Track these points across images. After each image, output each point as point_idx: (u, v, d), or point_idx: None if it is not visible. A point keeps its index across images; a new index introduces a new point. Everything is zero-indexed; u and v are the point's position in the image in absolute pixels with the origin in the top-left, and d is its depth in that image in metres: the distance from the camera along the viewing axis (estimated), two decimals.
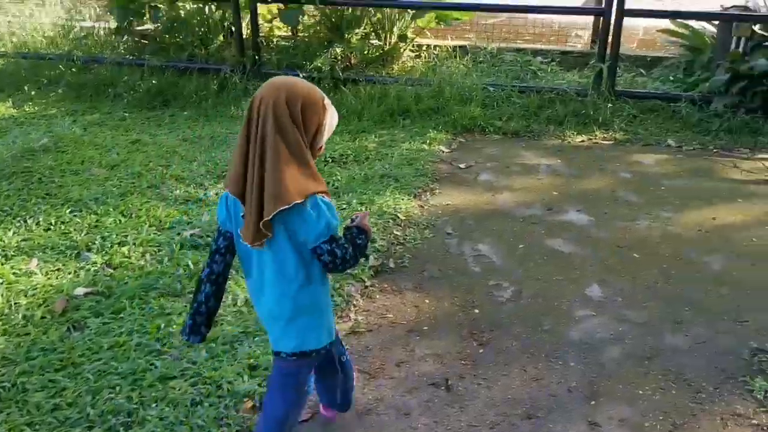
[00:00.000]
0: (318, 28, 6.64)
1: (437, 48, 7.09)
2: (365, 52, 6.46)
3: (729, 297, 3.21)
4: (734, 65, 5.80)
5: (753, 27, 5.88)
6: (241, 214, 1.80)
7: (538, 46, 7.40)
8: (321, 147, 1.89)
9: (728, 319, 3.03)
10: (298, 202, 1.72)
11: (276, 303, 1.89)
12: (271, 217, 1.72)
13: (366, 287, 3.27)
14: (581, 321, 3.03)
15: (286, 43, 6.81)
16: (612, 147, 5.37)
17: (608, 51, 5.93)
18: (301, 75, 6.22)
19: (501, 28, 8.04)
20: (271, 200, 1.71)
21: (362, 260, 3.24)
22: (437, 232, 3.87)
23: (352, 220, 1.98)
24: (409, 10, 6.57)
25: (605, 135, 5.58)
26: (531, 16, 7.77)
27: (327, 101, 1.84)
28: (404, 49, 6.84)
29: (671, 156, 5.18)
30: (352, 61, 6.40)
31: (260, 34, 6.57)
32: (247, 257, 1.91)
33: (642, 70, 6.69)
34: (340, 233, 1.90)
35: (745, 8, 6.28)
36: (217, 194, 4.28)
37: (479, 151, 5.25)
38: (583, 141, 5.49)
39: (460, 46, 7.07)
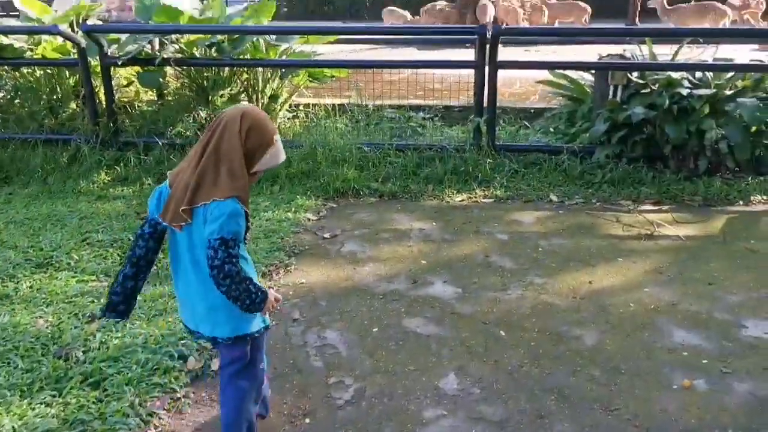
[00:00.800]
0: (183, 90, 6.16)
1: (315, 107, 6.72)
2: None
3: (601, 379, 2.82)
4: (613, 114, 5.64)
5: (629, 75, 5.78)
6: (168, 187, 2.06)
7: (421, 101, 7.15)
8: (256, 173, 2.13)
9: (598, 408, 2.63)
10: (218, 199, 1.96)
11: (204, 291, 2.06)
12: (190, 206, 1.98)
13: (176, 399, 2.71)
14: (429, 424, 2.55)
15: (151, 108, 6.29)
16: (492, 205, 5.05)
17: (485, 105, 5.69)
18: (161, 142, 5.70)
19: (390, 83, 7.78)
20: (196, 192, 1.97)
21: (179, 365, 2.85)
22: (282, 319, 3.36)
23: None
24: (282, 69, 6.20)
25: (486, 192, 5.27)
26: (427, 71, 7.52)
27: (277, 138, 2.12)
28: (279, 110, 6.43)
29: (552, 212, 4.89)
30: None
31: (120, 99, 6.04)
32: (174, 246, 2.12)
33: (526, 123, 6.50)
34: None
35: (621, 57, 6.20)
36: (30, 287, 3.66)
37: (350, 217, 4.82)
38: (462, 200, 5.15)
39: (340, 105, 6.73)
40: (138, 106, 6.26)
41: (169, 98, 6.32)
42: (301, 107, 6.68)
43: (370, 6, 24.94)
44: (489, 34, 5.46)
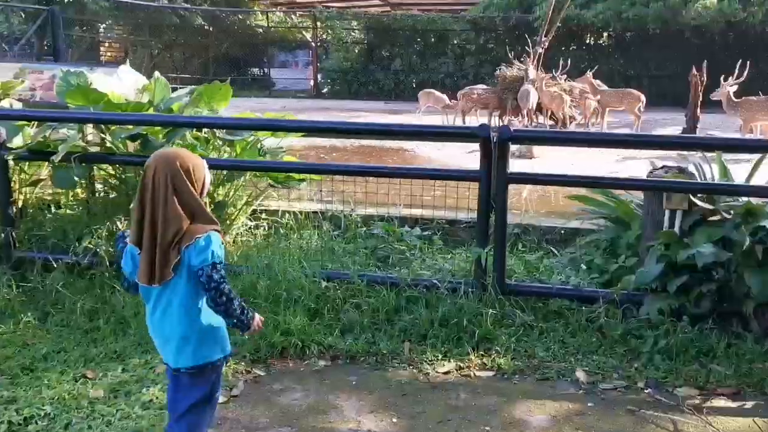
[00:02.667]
0: (108, 192, 4.88)
1: (287, 215, 5.35)
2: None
3: None
4: (669, 252, 4.06)
5: (692, 197, 4.23)
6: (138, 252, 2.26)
7: (421, 211, 5.66)
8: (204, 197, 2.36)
9: None
10: (199, 236, 2.20)
11: (174, 325, 2.27)
12: (174, 262, 2.20)
13: None
14: None
15: (72, 212, 4.99)
16: (490, 384, 3.48)
17: (492, 230, 4.19)
18: (62, 260, 4.37)
19: (387, 184, 6.37)
20: (173, 245, 2.19)
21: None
22: None
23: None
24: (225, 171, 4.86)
25: (484, 360, 3.70)
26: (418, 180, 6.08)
27: (205, 164, 2.37)
28: (234, 218, 5.07)
29: (578, 404, 3.29)
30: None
31: (31, 201, 4.79)
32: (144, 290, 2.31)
33: (553, 248, 4.96)
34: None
35: (680, 171, 4.65)
36: None
37: (273, 401, 3.31)
38: (448, 372, 3.59)
39: (317, 212, 5.35)
40: (55, 210, 4.97)
41: (93, 201, 5.02)
42: (264, 216, 5.30)
43: (417, 87, 24.11)
44: (494, 138, 4.02)
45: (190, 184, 2.21)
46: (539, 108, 14.98)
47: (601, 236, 4.81)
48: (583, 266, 4.46)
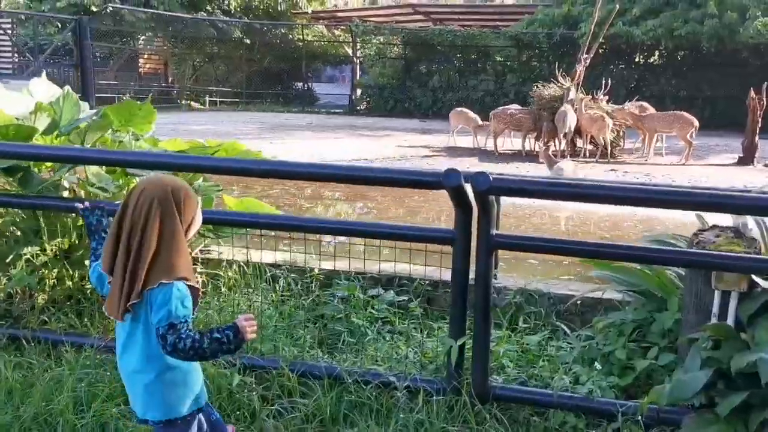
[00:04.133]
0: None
1: (232, 267, 4.30)
2: (49, 286, 3.62)
3: None
4: (720, 353, 2.87)
5: (753, 277, 3.03)
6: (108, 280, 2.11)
7: (398, 267, 4.50)
8: (189, 240, 2.19)
9: None
10: (164, 282, 1.99)
11: (142, 372, 2.09)
12: (137, 299, 2.01)
13: None
14: None
15: None
16: None
17: (473, 313, 3.06)
18: None
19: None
20: (137, 280, 1.99)
21: None
22: None
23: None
24: None
25: None
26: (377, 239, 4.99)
27: (200, 204, 2.20)
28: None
29: None
30: (40, 300, 3.60)
31: None
32: (119, 327, 2.14)
33: (563, 325, 3.78)
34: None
35: (737, 233, 3.45)
36: None
37: None
38: None
39: (271, 265, 4.29)
40: None
41: None
42: (201, 267, 4.26)
43: (456, 105, 22.99)
44: (473, 189, 2.90)
45: (177, 216, 2.05)
46: (579, 133, 13.72)
47: (627, 317, 3.63)
48: (597, 364, 3.27)
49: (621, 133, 14.15)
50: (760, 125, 13.15)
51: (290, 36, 31.55)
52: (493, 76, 24.06)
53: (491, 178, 3.01)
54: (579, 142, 14.01)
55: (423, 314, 3.88)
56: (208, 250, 4.44)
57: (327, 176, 3.68)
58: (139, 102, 3.91)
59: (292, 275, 4.07)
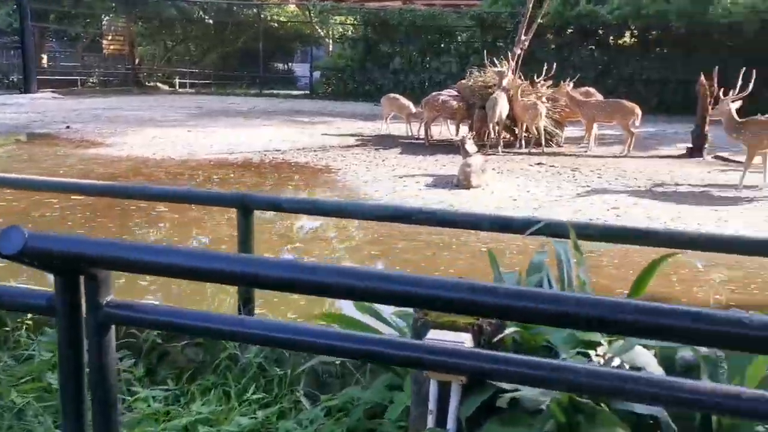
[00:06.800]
0: None
1: None
2: None
3: None
4: None
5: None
6: None
7: None
8: None
9: None
10: None
11: None
12: None
13: None
14: None
15: None
16: None
17: None
18: None
19: None
20: None
21: None
22: None
23: None
24: None
25: None
26: None
27: None
28: None
29: None
30: None
31: None
32: None
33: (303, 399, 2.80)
34: None
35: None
36: None
37: None
38: None
39: None
40: None
41: None
42: None
43: (418, 88, 21.83)
44: None
45: None
46: (514, 121, 12.64)
47: (362, 395, 2.62)
48: None
49: (562, 121, 13.06)
50: (711, 114, 12.00)
51: (263, 15, 30.35)
52: (457, 57, 22.86)
53: (25, 237, 1.98)
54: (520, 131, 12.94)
55: None
56: None
57: None
58: None
59: None
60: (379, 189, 8.95)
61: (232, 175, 9.85)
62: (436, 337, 2.51)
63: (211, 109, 18.29)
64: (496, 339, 2.68)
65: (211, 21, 29.42)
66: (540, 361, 2.15)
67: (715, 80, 11.44)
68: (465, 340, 2.50)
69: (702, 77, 11.84)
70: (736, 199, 8.67)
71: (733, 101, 9.33)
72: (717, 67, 11.27)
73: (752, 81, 8.94)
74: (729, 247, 3.00)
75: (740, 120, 9.33)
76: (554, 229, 3.29)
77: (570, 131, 13.93)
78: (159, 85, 30.12)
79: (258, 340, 2.38)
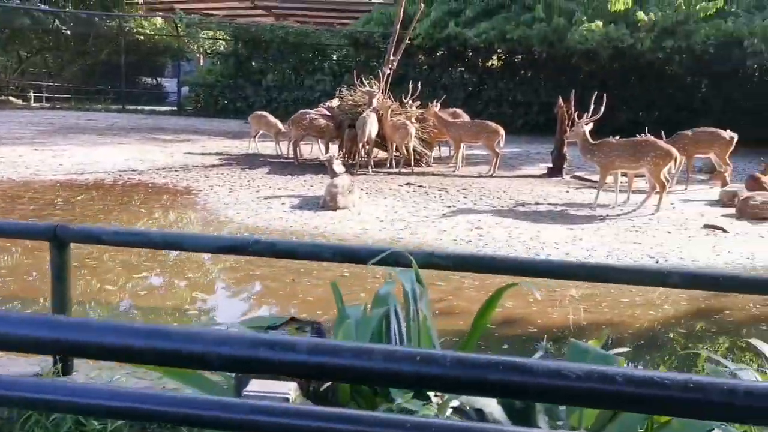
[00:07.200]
0: None
1: None
2: None
3: None
4: None
5: None
6: None
7: None
8: None
9: None
10: None
11: None
12: None
13: None
14: None
15: None
16: None
17: None
18: None
19: None
20: None
21: None
22: None
23: None
24: None
25: None
26: None
27: None
28: None
29: None
30: None
31: None
32: None
33: None
34: None
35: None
36: None
37: None
38: None
39: None
40: None
41: None
42: None
43: (292, 105, 21.40)
44: None
45: None
46: (384, 140, 12.61)
47: None
48: None
49: (432, 141, 13.21)
50: (567, 135, 12.53)
51: (126, 28, 28.81)
52: (331, 75, 22.71)
53: None
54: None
55: None
56: None
57: None
58: None
59: None
60: (240, 211, 8.52)
61: (79, 198, 9.06)
62: (258, 389, 2.23)
63: (66, 125, 16.99)
64: (324, 387, 2.42)
65: (69, 32, 27.58)
66: (362, 414, 1.94)
67: (573, 103, 11.94)
68: (290, 391, 2.23)
69: (560, 100, 12.36)
70: (591, 217, 9.01)
71: (586, 124, 9.74)
72: (574, 91, 11.77)
73: (603, 105, 9.35)
74: (562, 274, 2.94)
75: (593, 142, 9.74)
76: (400, 258, 3.10)
77: (444, 151, 14.14)
78: (11, 99, 27.81)
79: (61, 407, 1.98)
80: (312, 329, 2.45)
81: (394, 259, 3.12)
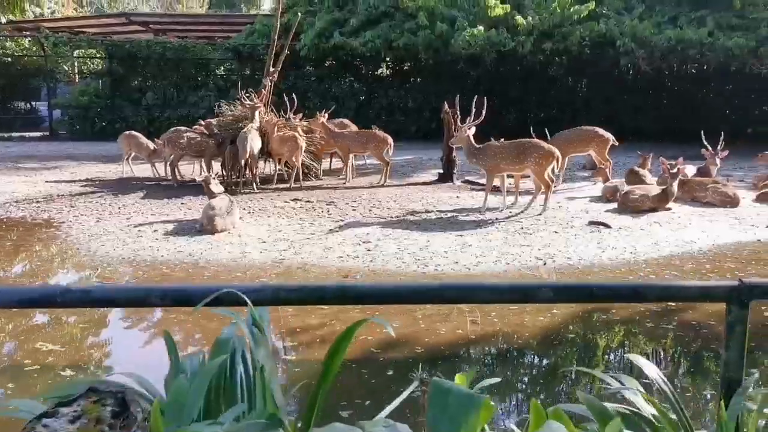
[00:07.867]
0: None
1: None
2: None
3: None
4: None
5: None
6: None
7: None
8: None
9: None
10: None
11: None
12: None
13: None
14: None
15: None
16: None
17: None
18: None
19: None
20: None
21: None
22: None
23: None
24: None
25: None
26: None
27: None
28: None
29: None
30: None
31: None
32: None
33: None
34: None
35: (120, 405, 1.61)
36: None
37: None
38: None
39: None
40: None
41: None
42: None
43: (176, 123, 20.31)
44: None
45: None
46: (269, 154, 12.08)
47: None
48: None
49: (319, 154, 12.79)
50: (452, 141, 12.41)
51: None
52: (216, 91, 21.86)
53: None
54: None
55: None
56: None
57: None
58: None
59: None
60: (105, 243, 7.75)
61: None
62: None
63: None
64: None
65: None
66: None
67: (458, 108, 11.84)
68: None
69: (446, 105, 12.25)
70: (480, 222, 8.86)
71: (469, 128, 9.61)
72: (459, 95, 11.67)
73: (484, 108, 9.24)
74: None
75: (477, 145, 9.63)
76: (239, 297, 2.63)
77: (335, 163, 13.74)
78: None
79: None
80: (115, 401, 1.95)
81: (234, 298, 2.66)
